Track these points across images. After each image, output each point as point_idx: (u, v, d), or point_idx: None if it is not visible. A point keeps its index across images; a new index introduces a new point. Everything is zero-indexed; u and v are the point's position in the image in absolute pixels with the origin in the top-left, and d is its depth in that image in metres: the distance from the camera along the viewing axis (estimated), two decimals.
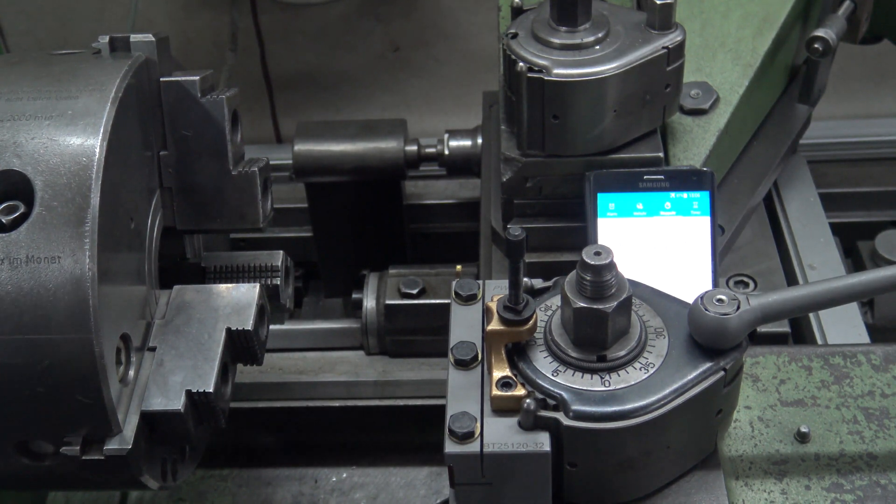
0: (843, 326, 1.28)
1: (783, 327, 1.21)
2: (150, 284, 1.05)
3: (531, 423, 0.80)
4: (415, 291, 1.47)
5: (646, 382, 0.82)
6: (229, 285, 1.08)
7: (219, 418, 1.01)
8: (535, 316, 0.83)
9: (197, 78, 1.05)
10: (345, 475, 1.40)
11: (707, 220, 1.07)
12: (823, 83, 1.42)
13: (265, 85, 2.17)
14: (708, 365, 0.83)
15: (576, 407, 0.80)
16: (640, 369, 0.83)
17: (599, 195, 1.07)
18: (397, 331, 1.51)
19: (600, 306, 0.81)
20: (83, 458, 0.95)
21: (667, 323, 0.86)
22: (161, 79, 1.05)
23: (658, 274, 1.04)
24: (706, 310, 0.82)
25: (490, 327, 0.83)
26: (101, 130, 0.93)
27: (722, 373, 0.83)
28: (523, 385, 0.82)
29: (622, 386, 0.81)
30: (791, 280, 1.36)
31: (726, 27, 1.27)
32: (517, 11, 1.10)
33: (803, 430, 0.95)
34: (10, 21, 2.10)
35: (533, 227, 1.10)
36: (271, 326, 1.12)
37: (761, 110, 1.36)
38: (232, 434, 1.55)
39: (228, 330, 1.04)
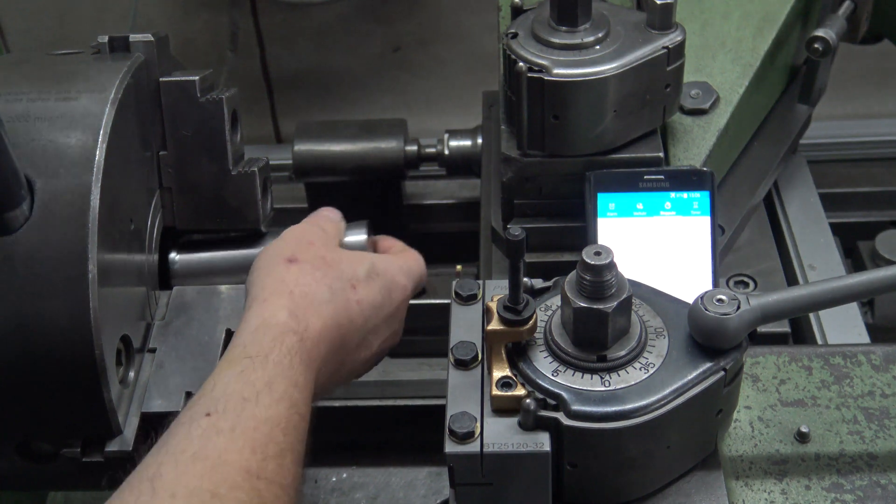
0: (843, 326, 1.28)
1: (783, 327, 1.21)
2: (150, 285, 1.05)
3: (531, 423, 0.80)
4: None
5: (646, 382, 0.82)
6: (229, 286, 1.08)
7: None
8: (535, 316, 0.83)
9: (196, 78, 1.05)
10: (345, 475, 1.40)
11: (707, 220, 1.07)
12: (823, 83, 1.42)
13: (265, 85, 2.16)
14: (708, 365, 0.83)
15: (576, 407, 0.80)
16: (640, 369, 0.83)
17: (599, 195, 1.07)
18: None
19: (600, 306, 0.81)
20: (84, 459, 0.95)
21: (667, 323, 0.86)
22: (160, 79, 1.05)
23: (658, 274, 1.04)
24: (706, 310, 0.82)
25: (490, 327, 0.83)
26: (101, 132, 0.93)
27: (722, 373, 0.83)
28: (523, 385, 0.82)
29: (622, 386, 0.81)
30: (791, 280, 1.36)
31: (726, 27, 1.27)
32: (517, 11, 1.10)
33: (803, 430, 0.95)
34: (9, 20, 2.10)
35: (533, 227, 1.10)
36: None
37: (761, 110, 1.36)
38: None
39: (228, 331, 1.04)
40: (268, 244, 1.00)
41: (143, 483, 0.75)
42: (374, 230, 1.14)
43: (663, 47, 1.04)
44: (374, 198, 1.69)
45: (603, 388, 0.81)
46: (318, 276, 0.93)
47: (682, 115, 1.18)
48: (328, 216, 1.08)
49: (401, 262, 1.06)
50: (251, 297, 0.92)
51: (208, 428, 0.78)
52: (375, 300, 0.97)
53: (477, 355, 0.87)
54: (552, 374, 0.82)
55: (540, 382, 0.82)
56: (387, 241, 1.14)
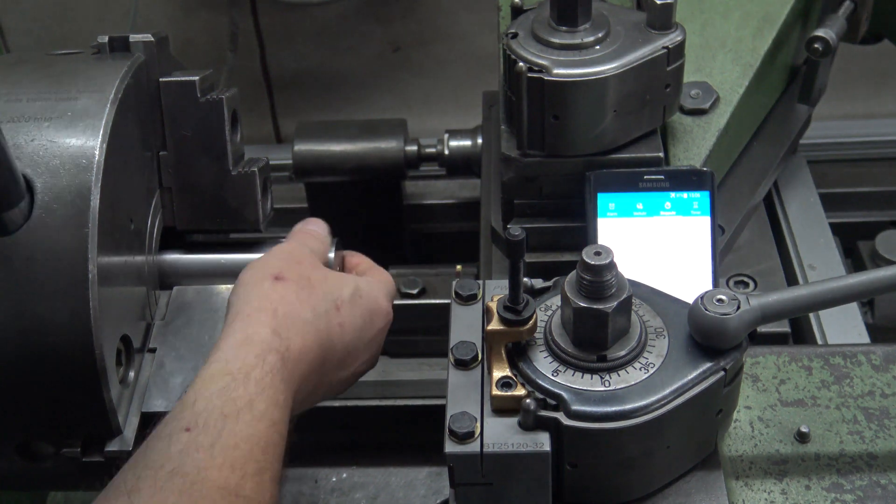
0: (843, 326, 1.28)
1: (783, 327, 1.21)
2: (150, 285, 1.05)
3: (531, 423, 0.80)
4: (415, 291, 1.47)
5: (646, 382, 0.82)
6: (229, 286, 1.08)
7: None
8: (535, 316, 0.83)
9: (196, 78, 1.05)
10: (345, 475, 1.40)
11: (707, 220, 1.07)
12: (823, 83, 1.42)
13: (265, 85, 2.17)
14: (708, 365, 0.83)
15: (576, 407, 0.80)
16: (640, 369, 0.83)
17: (599, 195, 1.07)
18: (397, 331, 1.51)
19: (600, 306, 0.81)
20: (84, 459, 0.95)
21: (667, 323, 0.86)
22: (160, 79, 1.05)
23: (658, 274, 1.04)
24: (706, 310, 0.82)
25: (490, 327, 0.83)
26: (101, 132, 0.93)
27: (722, 373, 0.83)
28: (523, 385, 0.82)
29: (622, 386, 0.81)
30: (791, 280, 1.36)
31: (726, 27, 1.27)
32: (517, 11, 1.10)
33: (803, 430, 0.95)
34: (10, 21, 2.10)
35: (533, 227, 1.10)
36: None
37: (761, 110, 1.36)
38: None
39: None
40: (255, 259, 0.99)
41: (121, 497, 0.75)
42: (342, 246, 1.13)
43: (663, 47, 1.04)
44: (374, 198, 1.69)
45: (603, 388, 0.81)
46: (303, 297, 0.92)
47: (682, 115, 1.18)
48: (316, 233, 1.06)
49: (383, 285, 1.05)
50: (234, 310, 0.90)
51: (188, 443, 0.77)
52: (357, 323, 0.97)
53: (477, 355, 0.87)
54: (552, 374, 0.82)
55: (540, 382, 0.82)
56: (354, 258, 1.13)
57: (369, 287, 1.01)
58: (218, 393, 0.81)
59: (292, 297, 0.91)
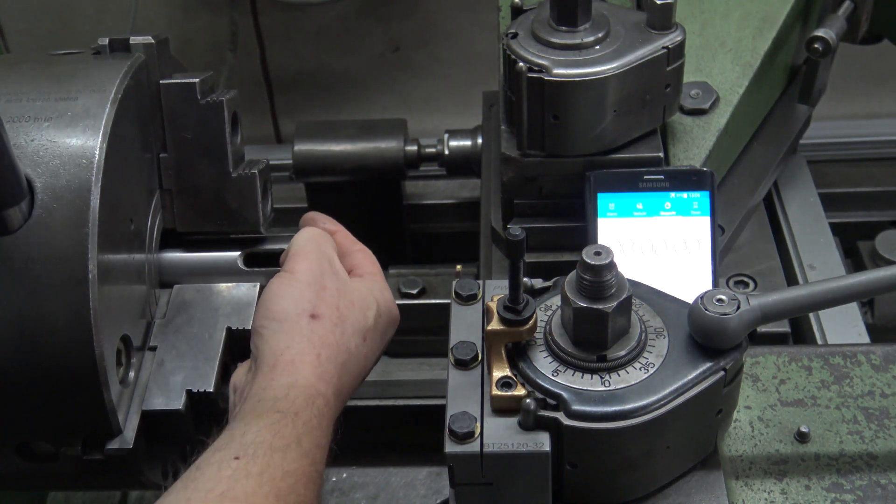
0: (843, 326, 1.28)
1: (783, 327, 1.21)
2: (150, 284, 1.05)
3: (531, 423, 0.80)
4: (415, 291, 1.47)
5: (646, 382, 0.82)
6: (229, 284, 1.08)
7: (220, 418, 1.01)
8: (535, 316, 0.83)
9: (196, 80, 1.05)
10: (345, 475, 1.40)
11: (707, 220, 1.07)
12: (823, 83, 1.42)
13: (265, 85, 2.17)
14: (708, 365, 0.83)
15: (576, 407, 0.80)
16: (640, 369, 0.83)
17: (599, 195, 1.07)
18: (397, 331, 1.51)
19: (600, 306, 0.81)
20: (84, 458, 0.95)
21: (667, 323, 0.86)
22: (161, 81, 1.05)
23: (658, 274, 1.04)
24: (706, 310, 0.82)
25: (490, 327, 0.83)
26: (101, 132, 0.93)
27: (722, 373, 0.83)
28: (523, 385, 0.82)
29: (622, 386, 0.81)
30: (791, 280, 1.36)
31: (726, 27, 1.27)
32: (517, 11, 1.10)
33: (803, 430, 0.95)
34: (10, 21, 2.10)
35: (533, 227, 1.10)
36: None
37: (761, 110, 1.36)
38: None
39: (229, 329, 1.04)
40: (280, 278, 0.96)
41: None
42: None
43: (663, 47, 1.04)
44: (374, 198, 1.69)
45: (603, 388, 0.81)
46: (338, 336, 0.94)
47: (682, 115, 1.18)
48: (323, 236, 1.03)
49: (382, 278, 1.06)
50: (275, 350, 0.91)
51: (238, 470, 0.80)
52: (377, 346, 1.00)
53: (477, 355, 0.87)
54: (552, 374, 0.82)
55: (540, 382, 0.82)
56: (329, 225, 1.08)
57: (384, 298, 1.02)
58: (267, 428, 0.84)
59: (330, 338, 0.94)
